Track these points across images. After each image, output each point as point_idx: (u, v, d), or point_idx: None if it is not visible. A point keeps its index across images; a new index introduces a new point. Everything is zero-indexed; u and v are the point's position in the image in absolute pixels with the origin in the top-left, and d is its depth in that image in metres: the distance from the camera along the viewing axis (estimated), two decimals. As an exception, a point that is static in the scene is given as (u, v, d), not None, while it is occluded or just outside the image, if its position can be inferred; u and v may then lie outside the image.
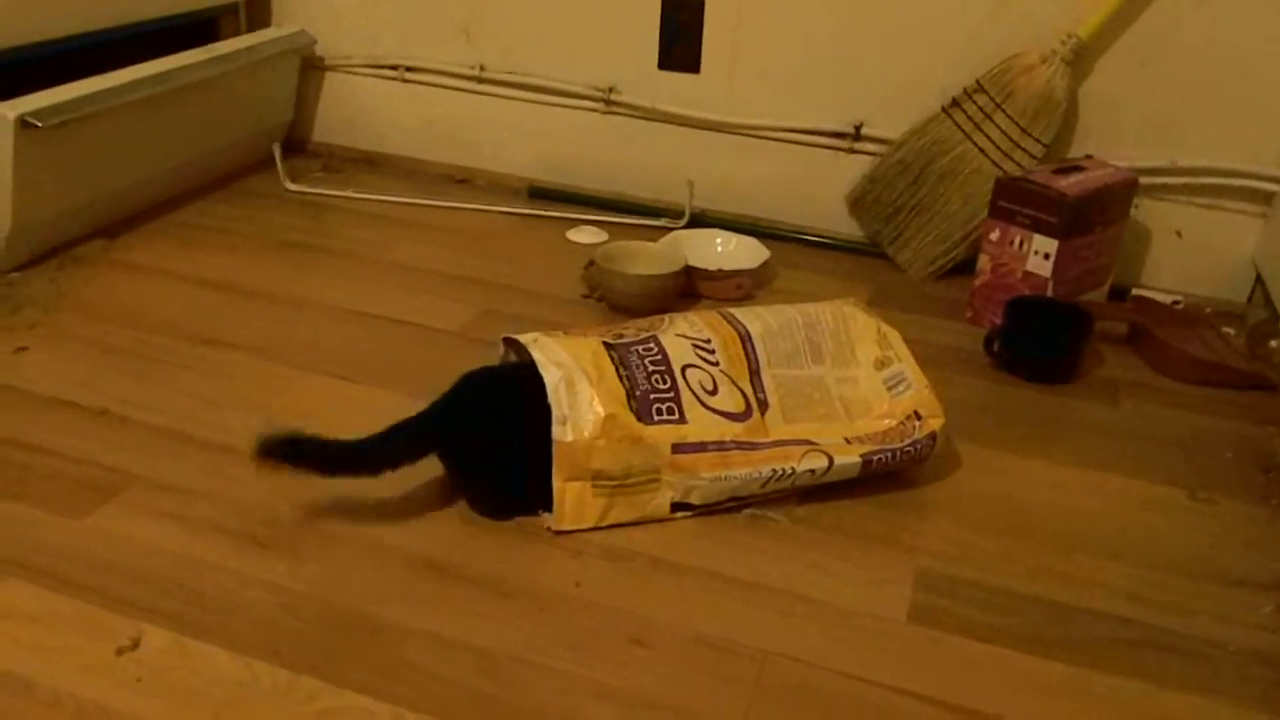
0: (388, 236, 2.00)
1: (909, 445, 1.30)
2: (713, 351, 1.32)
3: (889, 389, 1.36)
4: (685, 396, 1.27)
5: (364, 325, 1.66)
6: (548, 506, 1.23)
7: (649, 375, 1.27)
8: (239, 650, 1.03)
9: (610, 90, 2.14)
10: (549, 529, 1.23)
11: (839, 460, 1.27)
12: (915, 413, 1.33)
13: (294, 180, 2.19)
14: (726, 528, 1.26)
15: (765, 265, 1.87)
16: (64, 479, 1.26)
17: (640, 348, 1.29)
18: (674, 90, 2.10)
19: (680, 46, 2.07)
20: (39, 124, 1.61)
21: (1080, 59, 1.83)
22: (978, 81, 1.87)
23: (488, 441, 1.23)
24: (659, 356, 1.29)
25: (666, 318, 1.37)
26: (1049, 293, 1.69)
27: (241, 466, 1.28)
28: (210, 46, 2.03)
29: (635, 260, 1.79)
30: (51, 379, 1.45)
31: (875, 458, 1.28)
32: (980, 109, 1.87)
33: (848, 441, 1.30)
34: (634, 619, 1.11)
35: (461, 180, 2.30)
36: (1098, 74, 1.85)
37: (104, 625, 1.05)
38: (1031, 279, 1.70)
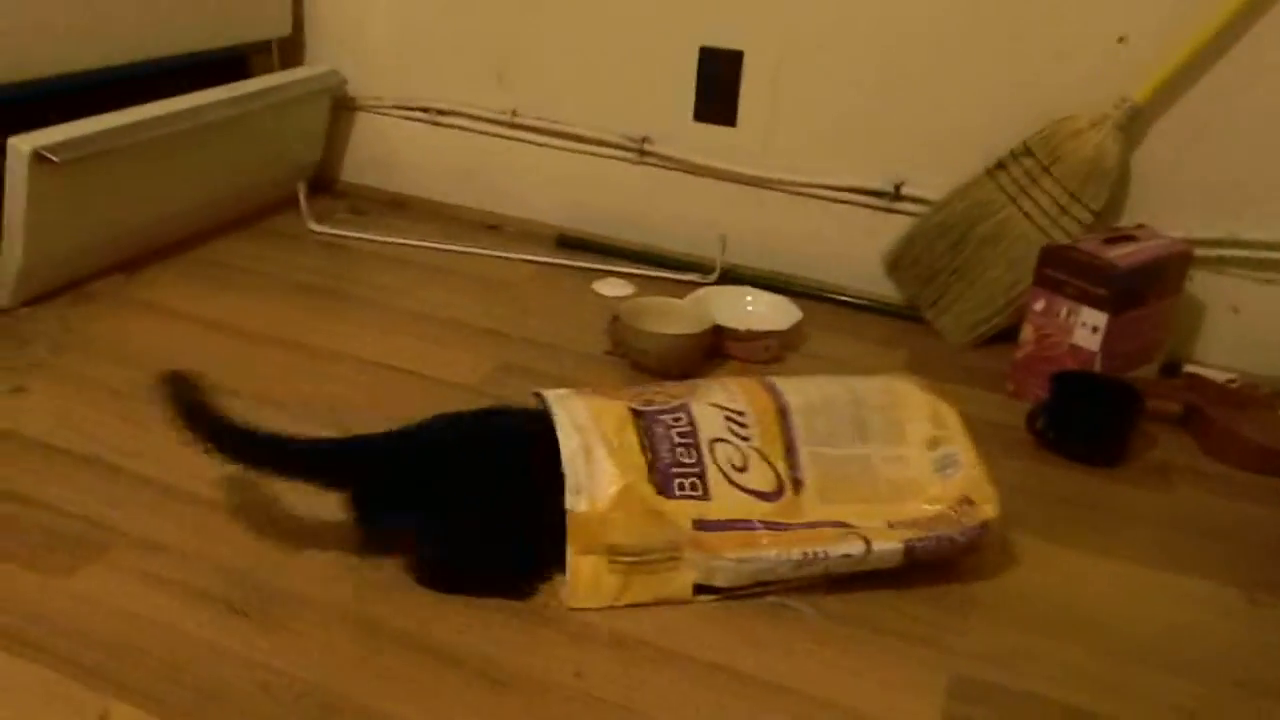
0: (409, 282, 1.94)
1: (958, 533, 1.20)
2: (745, 425, 1.24)
3: (939, 471, 1.27)
4: (711, 472, 1.20)
5: (375, 376, 1.60)
6: (513, 586, 1.16)
7: (674, 447, 1.20)
8: (211, 733, 0.96)
9: (644, 140, 2.09)
10: (564, 604, 1.15)
11: (878, 546, 1.18)
12: (966, 498, 1.24)
13: (318, 221, 2.14)
14: (747, 617, 1.17)
15: (796, 326, 1.79)
16: (47, 533, 1.20)
17: (669, 417, 1.22)
18: (709, 142, 2.04)
19: (717, 98, 2.01)
20: (55, 158, 1.57)
21: (1134, 124, 1.74)
22: (1025, 144, 1.79)
23: (431, 493, 1.14)
24: (687, 428, 1.22)
25: (703, 382, 1.30)
26: (1097, 368, 1.59)
27: (230, 524, 1.22)
28: (237, 84, 2.00)
29: (661, 317, 1.72)
30: (46, 423, 1.40)
31: (920, 545, 1.19)
32: (1026, 172, 1.79)
33: (890, 526, 1.21)
34: (632, 716, 1.03)
35: (490, 226, 2.24)
36: (1152, 140, 1.77)
37: (72, 699, 0.98)
38: (1078, 353, 1.61)
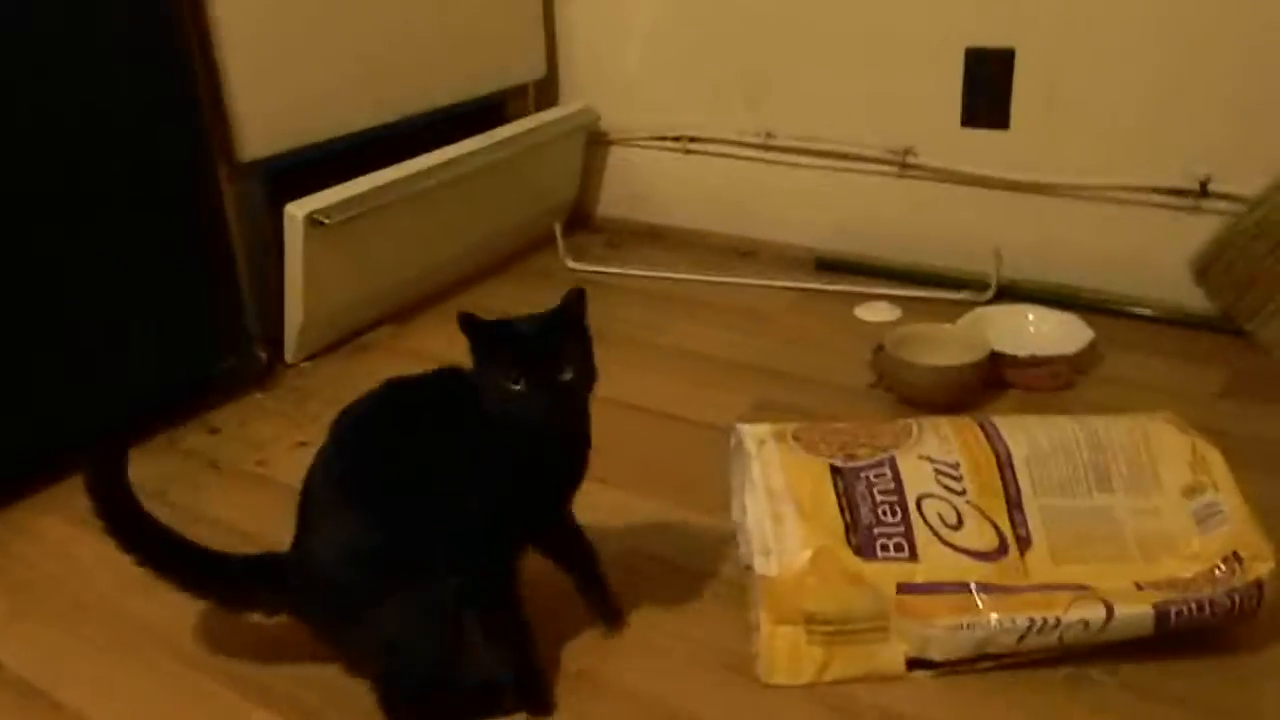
0: (664, 317, 1.91)
1: (1223, 595, 1.02)
2: (959, 479, 1.11)
3: (1199, 523, 1.09)
4: (919, 531, 1.08)
5: (631, 419, 1.56)
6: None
7: (875, 506, 1.09)
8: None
9: (906, 152, 1.96)
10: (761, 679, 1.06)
11: (1122, 611, 1.02)
12: (1234, 554, 1.05)
13: (575, 258, 2.15)
14: (1037, 692, 1.03)
15: (1089, 348, 1.60)
16: (322, 590, 1.23)
17: (871, 473, 1.12)
18: (979, 148, 1.88)
19: (986, 100, 1.85)
20: (326, 220, 1.65)
21: None
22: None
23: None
24: (891, 484, 1.11)
25: (915, 429, 1.18)
26: None
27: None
28: (495, 130, 2.04)
29: (930, 346, 1.58)
30: (325, 477, 1.45)
31: (1175, 610, 1.02)
32: (1370, 156, 1.52)
33: (1139, 588, 1.05)
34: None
35: (745, 253, 2.18)
36: None
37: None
38: None
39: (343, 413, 1.05)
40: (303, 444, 1.54)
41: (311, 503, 1.03)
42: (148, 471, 1.48)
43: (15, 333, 1.38)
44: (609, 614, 1.14)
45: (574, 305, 0.99)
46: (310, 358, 1.79)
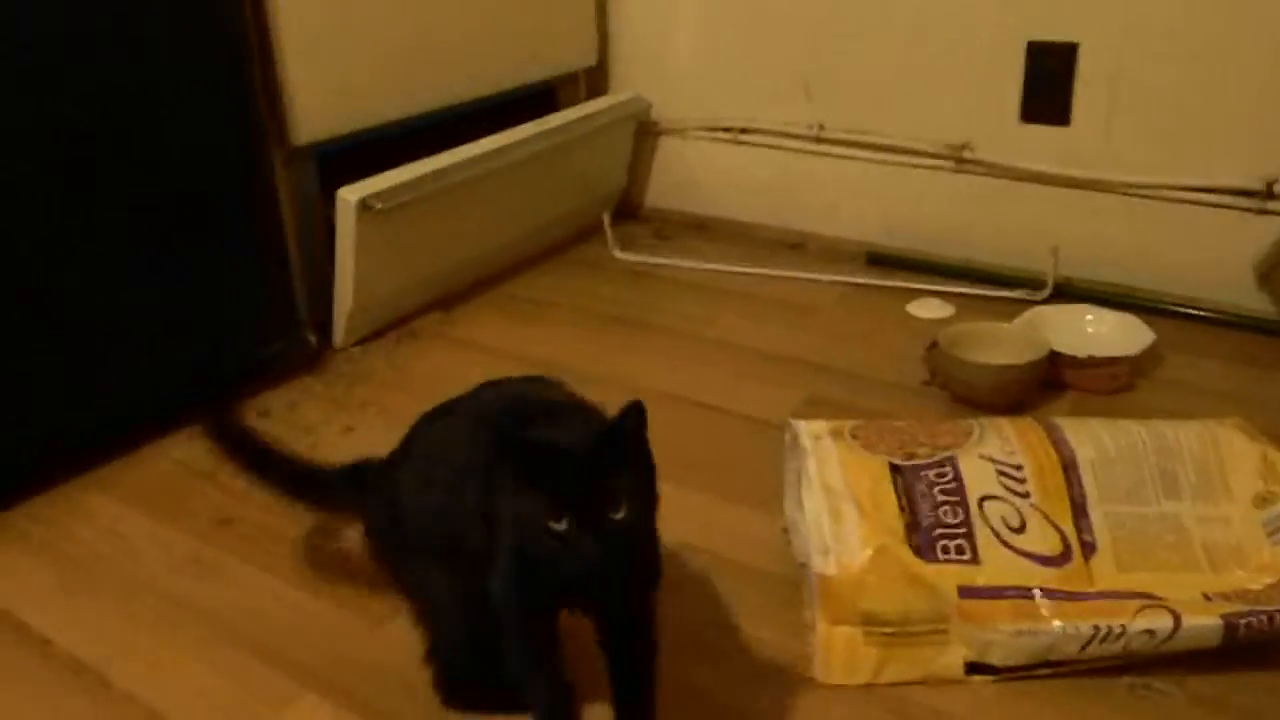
0: (713, 309, 1.89)
1: None
2: (1023, 481, 1.09)
3: (1269, 534, 1.06)
4: (981, 533, 1.06)
5: (679, 411, 1.55)
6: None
7: (937, 506, 1.07)
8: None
9: (963, 147, 1.92)
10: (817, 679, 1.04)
11: (1189, 622, 0.99)
12: None
13: (623, 248, 2.14)
14: (1100, 702, 1.01)
15: (1150, 349, 1.57)
16: (370, 578, 1.23)
17: (932, 473, 1.10)
18: (1037, 144, 1.85)
19: (1047, 96, 1.81)
20: (379, 205, 1.64)
21: None
22: None
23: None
24: (952, 484, 1.09)
25: (976, 429, 1.16)
26: None
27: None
28: (546, 118, 2.03)
29: (985, 345, 1.55)
30: (373, 463, 1.45)
31: (1244, 621, 0.99)
32: None
33: (1207, 599, 1.02)
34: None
35: (795, 245, 2.15)
36: None
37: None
38: None
39: (491, 385, 1.02)
40: (350, 429, 1.54)
41: (418, 441, 1.00)
42: (201, 452, 1.48)
43: (68, 312, 1.39)
44: None
45: (633, 420, 0.83)
46: (359, 343, 1.79)
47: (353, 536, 1.30)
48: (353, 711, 1.04)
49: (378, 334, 1.82)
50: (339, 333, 1.75)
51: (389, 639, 1.13)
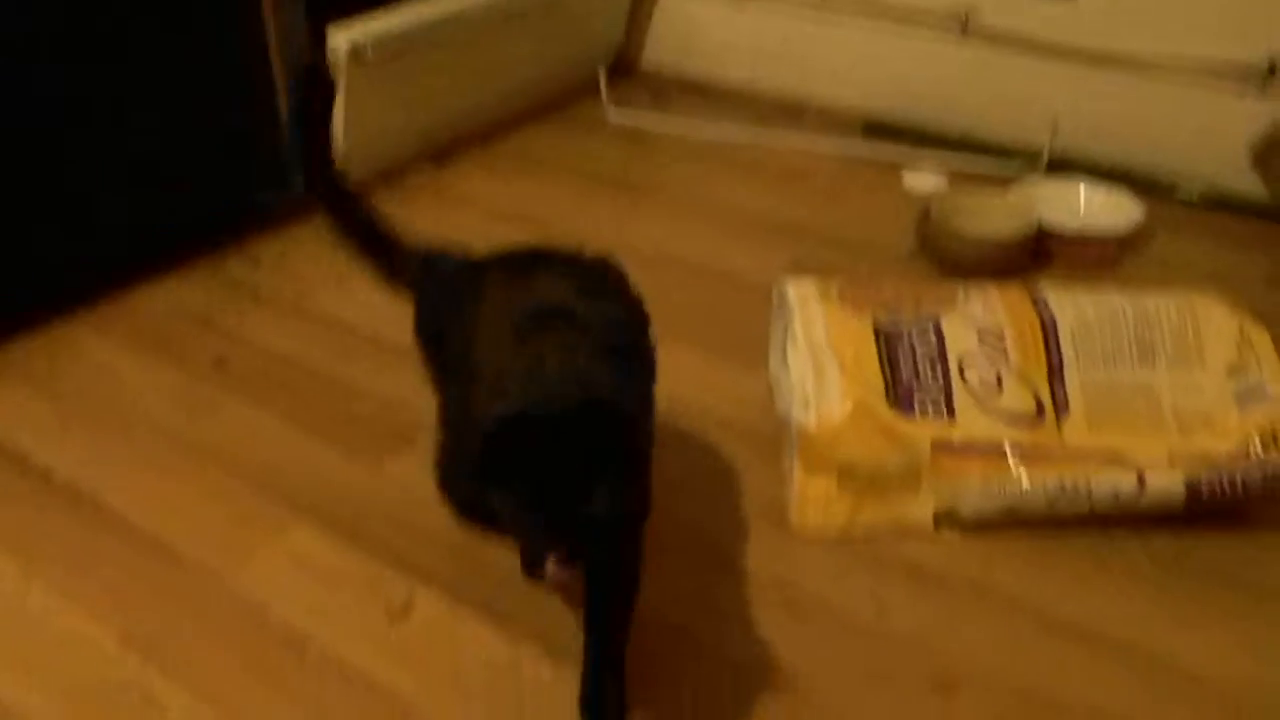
0: (706, 173, 1.88)
1: (1256, 473, 1.04)
2: (1003, 344, 1.12)
3: (1239, 401, 1.09)
4: (958, 392, 1.09)
5: (670, 272, 1.55)
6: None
7: (917, 366, 1.11)
8: (508, 632, 0.98)
9: (969, 13, 1.89)
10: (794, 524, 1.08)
11: (1154, 482, 1.04)
12: (1273, 434, 1.06)
13: (619, 108, 2.11)
14: (1064, 555, 1.05)
15: (1138, 227, 1.58)
16: (365, 421, 1.26)
17: (915, 333, 1.13)
18: (1044, 14, 1.81)
19: (1056, -37, 1.77)
20: (370, 52, 1.61)
21: None
22: None
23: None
24: (934, 345, 1.12)
25: (961, 293, 1.18)
26: None
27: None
28: (542, -33, 1.98)
29: (977, 216, 1.56)
30: (366, 313, 1.46)
31: (1207, 484, 1.03)
32: None
33: (1172, 461, 1.06)
34: (939, 657, 0.95)
35: (793, 112, 2.13)
36: None
37: (382, 582, 1.03)
38: None
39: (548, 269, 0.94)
40: (343, 279, 1.55)
41: (483, 291, 0.92)
42: (194, 296, 1.50)
43: (58, 152, 1.38)
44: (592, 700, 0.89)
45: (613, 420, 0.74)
46: (350, 193, 1.77)
47: (350, 381, 1.33)
48: (345, 541, 1.08)
49: (367, 186, 1.81)
50: (330, 182, 1.74)
51: (383, 476, 1.17)
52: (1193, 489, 1.03)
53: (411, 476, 1.15)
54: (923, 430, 1.08)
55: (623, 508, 0.74)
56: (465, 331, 0.89)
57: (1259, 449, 1.06)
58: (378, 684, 0.93)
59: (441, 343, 0.95)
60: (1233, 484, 1.04)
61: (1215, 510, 1.05)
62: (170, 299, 1.50)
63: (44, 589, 1.03)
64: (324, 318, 1.46)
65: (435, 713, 0.91)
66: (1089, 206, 1.64)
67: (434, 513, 1.10)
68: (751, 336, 1.30)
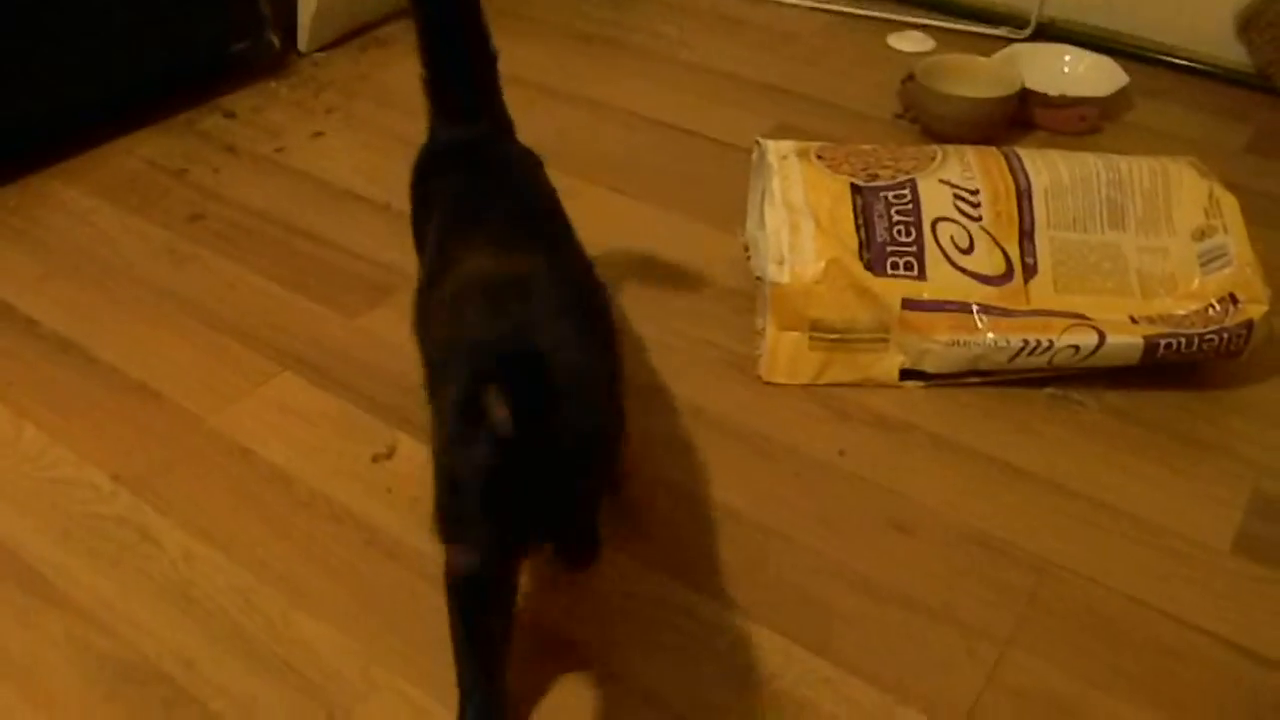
0: (690, 31, 1.85)
1: (1212, 333, 1.07)
2: (977, 205, 1.13)
3: (1202, 265, 1.12)
4: (930, 251, 1.11)
5: (652, 134, 1.56)
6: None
7: (891, 225, 1.12)
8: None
9: None
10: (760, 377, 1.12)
11: (1113, 340, 1.07)
12: (1230, 295, 1.09)
13: (601, -36, 2.06)
14: (1021, 407, 1.09)
15: (1121, 93, 1.58)
16: (343, 274, 1.27)
17: (891, 193, 1.14)
18: None
19: None
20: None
21: None
22: None
23: None
24: (909, 206, 1.13)
25: (939, 154, 1.19)
26: None
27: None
28: None
29: (961, 78, 1.55)
30: (343, 168, 1.46)
31: (1163, 342, 1.06)
32: None
33: (1133, 321, 1.09)
34: (898, 500, 1.00)
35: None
36: None
37: (365, 429, 1.06)
38: None
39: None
40: (319, 134, 1.54)
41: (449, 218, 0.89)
42: (168, 149, 1.50)
43: (30, 6, 1.35)
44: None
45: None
46: (324, 48, 1.75)
47: (326, 234, 1.34)
48: (327, 389, 1.11)
49: (344, 39, 1.78)
50: (304, 35, 1.71)
51: (362, 328, 1.19)
52: (1150, 346, 1.07)
53: (388, 330, 1.17)
54: (893, 288, 1.10)
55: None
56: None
57: (1217, 310, 1.09)
58: (366, 520, 0.97)
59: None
60: (1189, 342, 1.07)
61: (1169, 367, 1.09)
62: (145, 152, 1.49)
63: (35, 432, 1.06)
64: (299, 173, 1.46)
65: (424, 546, 0.95)
66: (1074, 72, 1.63)
67: (411, 363, 1.14)
68: (730, 199, 1.31)
